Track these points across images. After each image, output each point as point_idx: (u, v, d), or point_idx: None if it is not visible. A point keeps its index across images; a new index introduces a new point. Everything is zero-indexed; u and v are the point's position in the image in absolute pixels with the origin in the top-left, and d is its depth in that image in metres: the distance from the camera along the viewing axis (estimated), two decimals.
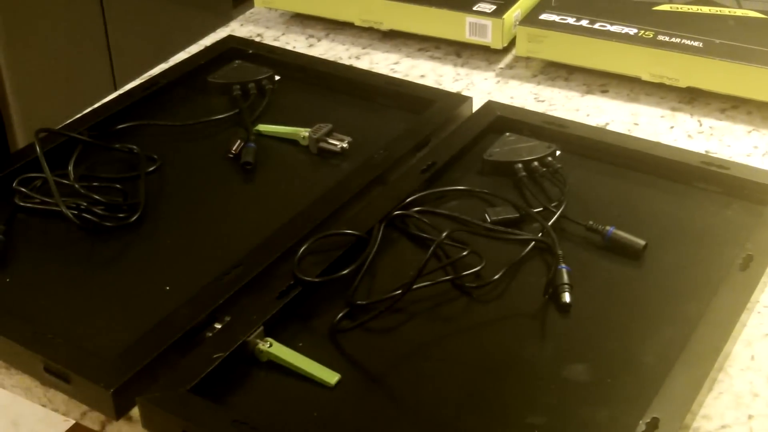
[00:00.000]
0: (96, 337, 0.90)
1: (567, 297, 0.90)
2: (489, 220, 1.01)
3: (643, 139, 1.14)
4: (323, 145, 1.14)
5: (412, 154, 1.12)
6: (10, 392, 0.91)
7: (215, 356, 0.84)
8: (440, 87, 1.31)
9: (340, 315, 0.90)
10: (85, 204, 1.03)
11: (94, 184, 1.08)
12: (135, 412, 0.84)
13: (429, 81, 1.33)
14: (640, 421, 0.77)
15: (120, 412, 0.85)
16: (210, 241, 1.03)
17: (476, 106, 1.21)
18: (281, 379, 0.85)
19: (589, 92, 1.30)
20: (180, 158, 1.16)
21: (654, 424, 0.77)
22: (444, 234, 0.93)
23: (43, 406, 0.90)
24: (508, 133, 1.12)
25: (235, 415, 0.79)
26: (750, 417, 0.83)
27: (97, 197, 1.04)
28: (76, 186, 1.06)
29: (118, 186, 1.08)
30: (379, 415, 0.83)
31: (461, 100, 1.22)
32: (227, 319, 0.90)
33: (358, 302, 0.91)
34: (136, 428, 0.84)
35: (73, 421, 0.89)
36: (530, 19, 1.34)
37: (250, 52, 1.34)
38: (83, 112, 1.23)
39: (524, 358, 0.87)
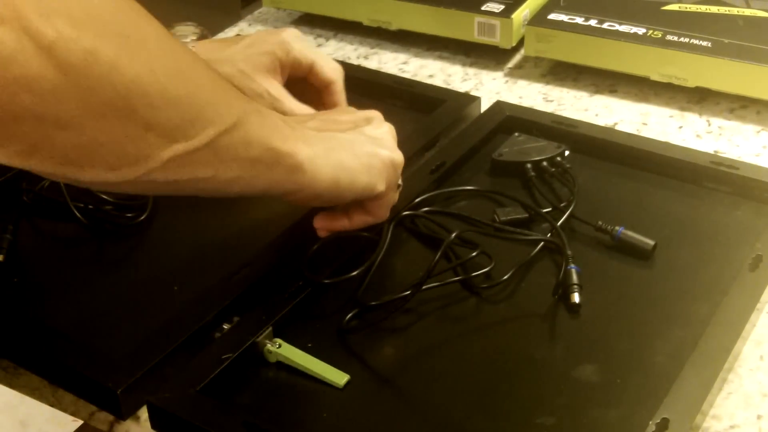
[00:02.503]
0: (104, 337, 0.90)
1: (576, 297, 0.90)
2: (498, 220, 1.01)
3: (653, 139, 1.14)
4: None
5: (420, 153, 1.12)
6: (18, 392, 0.91)
7: (224, 357, 0.84)
8: (449, 87, 1.31)
9: (350, 315, 0.89)
10: (93, 204, 1.03)
11: None
12: (143, 412, 0.84)
13: (438, 81, 1.33)
14: (650, 422, 0.77)
15: (127, 412, 0.85)
16: (219, 240, 1.03)
17: (485, 106, 1.21)
18: (290, 379, 0.85)
19: (597, 92, 1.30)
20: None
21: (664, 424, 0.77)
22: (453, 234, 0.93)
23: (52, 406, 0.90)
24: (517, 133, 1.12)
25: (244, 416, 0.79)
26: (759, 417, 0.83)
27: (105, 197, 1.04)
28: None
29: None
30: (388, 415, 0.83)
31: (470, 100, 1.22)
32: (236, 319, 0.90)
33: (368, 303, 0.91)
34: (145, 429, 0.84)
35: (81, 422, 0.89)
36: (539, 18, 1.34)
37: None
38: None
39: (534, 359, 0.87)
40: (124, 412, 0.84)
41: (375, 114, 0.99)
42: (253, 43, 1.07)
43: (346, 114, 0.97)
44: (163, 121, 0.71)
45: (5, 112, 0.63)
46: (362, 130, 0.94)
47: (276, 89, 1.06)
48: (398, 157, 0.94)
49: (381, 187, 0.92)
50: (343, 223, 0.95)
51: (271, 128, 0.82)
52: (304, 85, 1.09)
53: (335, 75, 1.08)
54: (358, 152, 0.90)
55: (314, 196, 0.88)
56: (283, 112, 1.01)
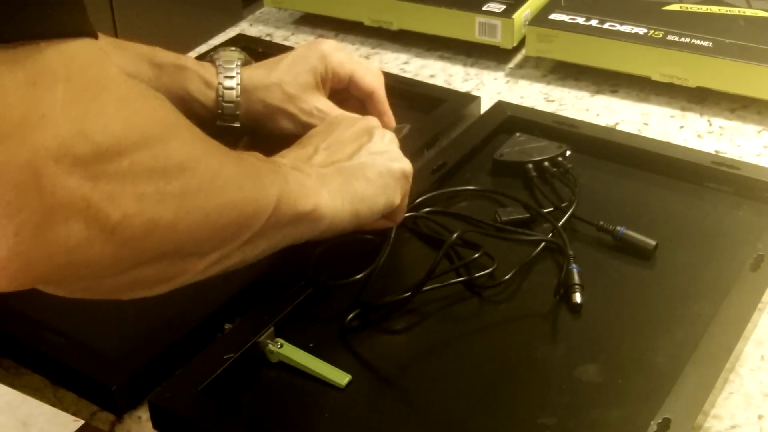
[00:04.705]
0: (102, 336, 0.89)
1: (578, 297, 0.90)
2: (499, 220, 1.01)
3: (654, 139, 1.14)
4: None
5: (420, 153, 1.12)
6: (19, 392, 0.91)
7: (226, 357, 0.84)
8: (450, 87, 1.31)
9: (351, 316, 0.89)
10: None
11: None
12: (145, 412, 0.84)
13: (439, 81, 1.33)
14: (652, 422, 0.77)
15: (124, 409, 0.85)
16: None
17: (486, 106, 1.21)
18: (292, 379, 0.85)
19: (599, 92, 1.30)
20: None
21: (665, 424, 0.77)
22: (455, 235, 0.93)
23: (53, 406, 0.90)
24: (518, 133, 1.12)
25: (246, 416, 0.79)
26: (760, 417, 0.83)
27: None
28: None
29: None
30: (390, 415, 0.83)
31: (470, 99, 1.22)
32: (237, 319, 0.90)
33: (369, 303, 0.91)
34: (146, 429, 0.84)
35: (83, 421, 0.89)
36: (540, 18, 1.34)
37: (260, 51, 1.34)
38: None
39: (535, 359, 0.87)
40: (120, 409, 0.85)
41: (372, 123, 0.99)
42: (294, 61, 1.08)
43: (346, 129, 0.97)
44: (206, 248, 0.73)
45: (54, 279, 0.64)
46: (368, 149, 0.94)
47: (323, 104, 1.08)
48: (407, 166, 0.95)
49: (398, 200, 0.94)
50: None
51: (296, 191, 0.83)
52: (348, 93, 1.11)
53: (374, 84, 1.09)
54: (371, 176, 0.91)
55: (336, 232, 0.90)
56: None
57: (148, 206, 0.64)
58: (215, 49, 1.11)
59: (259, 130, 1.06)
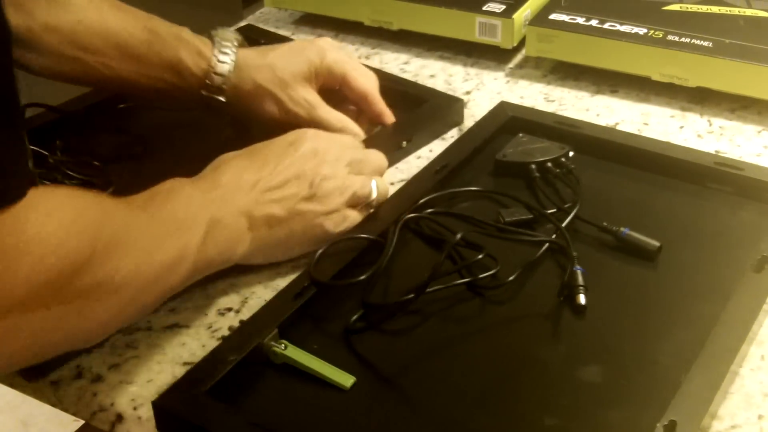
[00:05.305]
0: None
1: (582, 299, 0.90)
2: (502, 221, 1.01)
3: (656, 139, 1.14)
4: None
5: (394, 149, 1.13)
6: (19, 392, 0.91)
7: (230, 359, 0.84)
8: (450, 87, 1.31)
9: (355, 317, 0.89)
10: (59, 177, 1.05)
11: (71, 161, 1.09)
12: (146, 411, 0.84)
13: (439, 81, 1.33)
14: (658, 424, 0.77)
15: (34, 375, 0.88)
16: None
17: (486, 106, 1.21)
18: (296, 381, 0.85)
19: (599, 92, 1.30)
20: (185, 146, 1.17)
21: (671, 426, 0.76)
22: (458, 236, 0.93)
23: (53, 406, 0.90)
24: (521, 134, 1.12)
25: (250, 418, 0.79)
26: (760, 417, 0.83)
27: (72, 173, 1.06)
28: (51, 160, 1.08)
29: (96, 164, 1.10)
30: (393, 417, 0.83)
31: (452, 101, 1.23)
32: (241, 320, 0.90)
33: (373, 304, 0.91)
34: (147, 429, 0.84)
35: (83, 421, 0.89)
36: (540, 18, 1.34)
37: (263, 42, 1.33)
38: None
39: (539, 360, 0.87)
40: (29, 375, 0.87)
41: (324, 171, 0.97)
42: (291, 50, 1.10)
43: (298, 161, 0.96)
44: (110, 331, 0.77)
45: None
46: (309, 195, 0.95)
47: (313, 97, 1.09)
48: (332, 228, 0.96)
49: (314, 249, 0.96)
50: None
51: (215, 247, 0.87)
52: (344, 95, 1.12)
53: (367, 87, 1.11)
54: (296, 229, 0.94)
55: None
56: (319, 120, 1.07)
57: (39, 337, 0.66)
58: (215, 27, 1.12)
59: (242, 112, 1.07)
